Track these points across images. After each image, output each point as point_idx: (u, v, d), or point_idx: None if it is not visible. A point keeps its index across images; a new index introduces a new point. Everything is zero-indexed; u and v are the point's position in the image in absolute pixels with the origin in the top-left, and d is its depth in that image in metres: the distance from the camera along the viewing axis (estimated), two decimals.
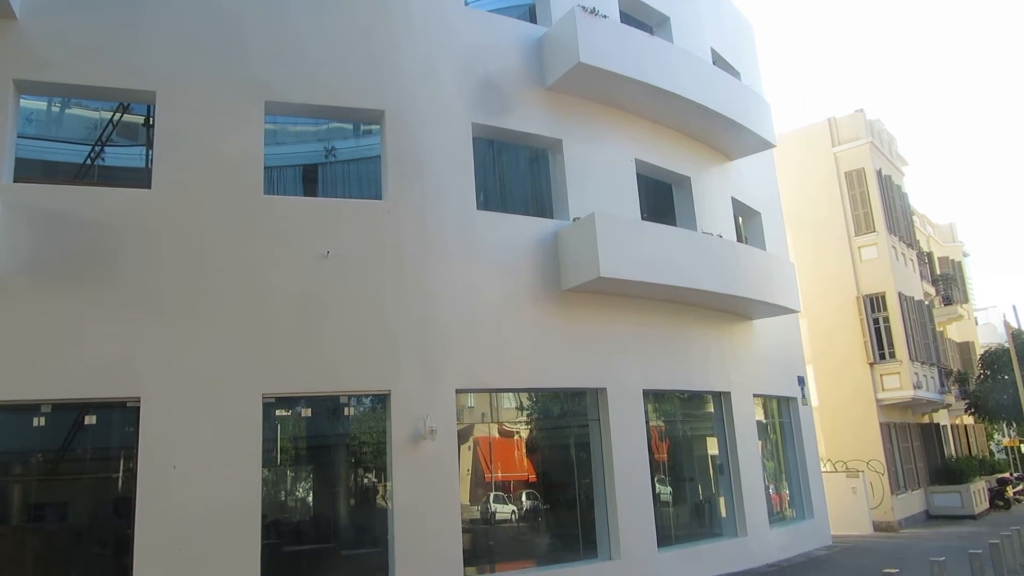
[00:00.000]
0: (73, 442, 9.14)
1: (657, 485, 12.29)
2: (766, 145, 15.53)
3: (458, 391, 10.41)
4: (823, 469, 17.21)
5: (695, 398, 13.79)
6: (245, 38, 10.28)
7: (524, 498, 11.60)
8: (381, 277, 10.15)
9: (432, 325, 10.29)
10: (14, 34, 9.36)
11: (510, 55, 12.14)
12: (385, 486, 9.96)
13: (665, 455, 13.01)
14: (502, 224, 11.35)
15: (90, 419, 8.95)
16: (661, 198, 14.30)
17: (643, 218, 12.92)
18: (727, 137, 14.73)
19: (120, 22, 9.74)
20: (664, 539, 11.78)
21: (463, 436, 10.63)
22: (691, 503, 13.49)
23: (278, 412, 9.79)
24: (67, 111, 11.09)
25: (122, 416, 9.09)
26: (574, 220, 11.64)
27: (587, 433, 11.73)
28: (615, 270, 11.05)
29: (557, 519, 11.73)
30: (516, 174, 13.13)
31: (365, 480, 11.13)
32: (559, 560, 11.15)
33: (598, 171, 12.49)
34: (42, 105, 10.77)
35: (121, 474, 9.27)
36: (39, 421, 8.68)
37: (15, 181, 9.12)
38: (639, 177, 13.23)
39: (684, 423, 13.59)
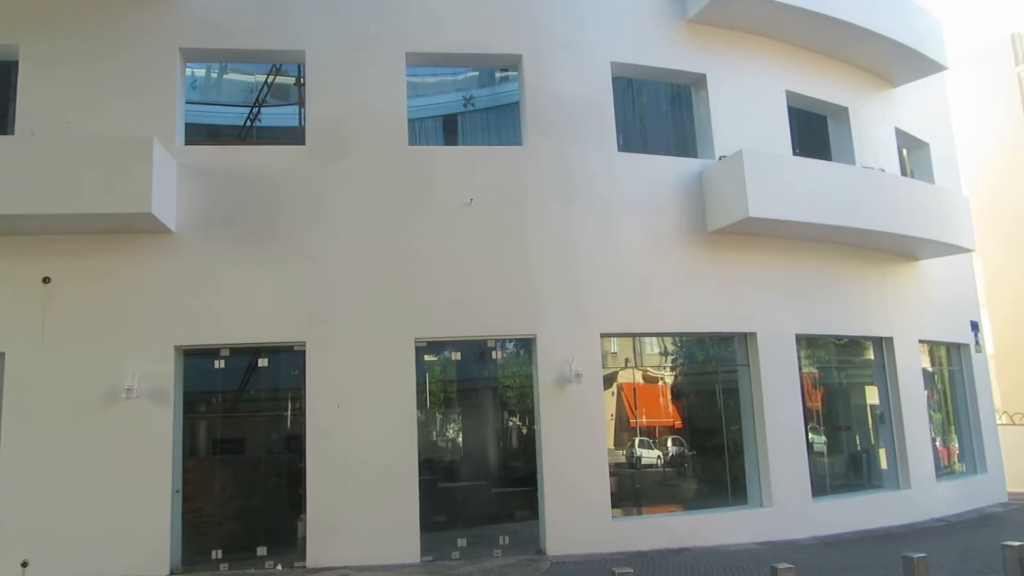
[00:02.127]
0: (248, 383, 9.96)
1: (810, 434, 11.79)
2: (936, 68, 14.05)
3: (602, 335, 10.37)
4: (998, 422, 15.83)
5: (853, 344, 12.99)
6: None
7: (669, 444, 11.49)
8: (524, 223, 10.20)
9: (575, 270, 10.26)
10: (178, 4, 10.00)
11: None
12: (531, 428, 10.16)
13: (819, 403, 12.41)
14: (644, 165, 11.03)
15: (263, 362, 9.70)
16: (815, 131, 13.34)
17: (795, 154, 12.13)
18: (890, 61, 13.44)
19: None
20: (819, 489, 11.31)
21: (607, 382, 10.61)
22: (848, 453, 12.83)
23: (429, 356, 10.18)
24: (224, 76, 11.81)
25: (289, 359, 9.78)
26: (720, 158, 11.12)
27: (735, 379, 11.37)
28: (765, 210, 10.48)
29: (704, 465, 11.55)
30: (657, 113, 12.67)
31: (511, 422, 11.44)
32: (707, 506, 11.01)
33: (745, 105, 11.81)
34: (202, 72, 11.53)
35: (290, 413, 10.04)
36: (219, 364, 9.51)
37: (186, 144, 9.86)
38: (790, 110, 12.39)
39: (840, 370, 12.86)
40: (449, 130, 12.02)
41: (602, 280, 10.35)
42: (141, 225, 8.99)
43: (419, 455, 9.46)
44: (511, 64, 11.05)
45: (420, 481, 9.36)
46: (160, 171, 8.82)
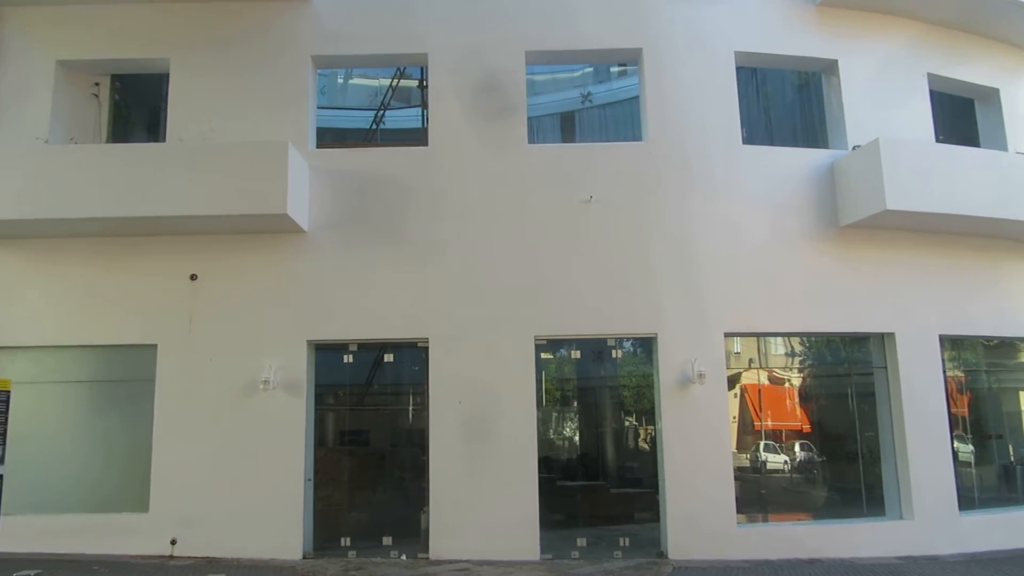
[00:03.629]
0: (374, 377, 10.29)
1: (956, 443, 10.93)
2: None
3: (726, 335, 10.03)
4: None
5: (1004, 346, 11.95)
6: None
7: (797, 449, 10.96)
8: (645, 219, 10.01)
9: (698, 267, 9.97)
10: (309, 15, 10.48)
11: None
12: (651, 429, 9.96)
13: (965, 409, 11.50)
14: (770, 158, 10.57)
15: (388, 357, 10.00)
16: (961, 117, 12.37)
17: (938, 141, 11.29)
18: None
19: None
20: (966, 502, 10.47)
21: (730, 383, 10.25)
22: (999, 464, 11.82)
23: (547, 354, 10.17)
24: (350, 81, 12.25)
25: (413, 355, 10.03)
26: (853, 148, 10.51)
27: (870, 382, 10.71)
28: (904, 202, 9.80)
29: (835, 472, 10.94)
30: (783, 102, 12.11)
31: (629, 422, 11.25)
32: (839, 515, 10.41)
33: (881, 91, 11.10)
34: (327, 78, 12.00)
35: (412, 407, 10.28)
36: (348, 358, 9.88)
37: (317, 147, 10.29)
38: (932, 94, 11.54)
39: (990, 374, 11.86)
40: (567, 127, 11.97)
41: (726, 277, 10.01)
42: (277, 226, 9.46)
43: (537, 453, 9.48)
44: (631, 59, 10.87)
45: (539, 479, 9.37)
46: (294, 174, 9.26)
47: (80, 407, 9.72)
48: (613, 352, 10.28)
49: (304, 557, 9.09)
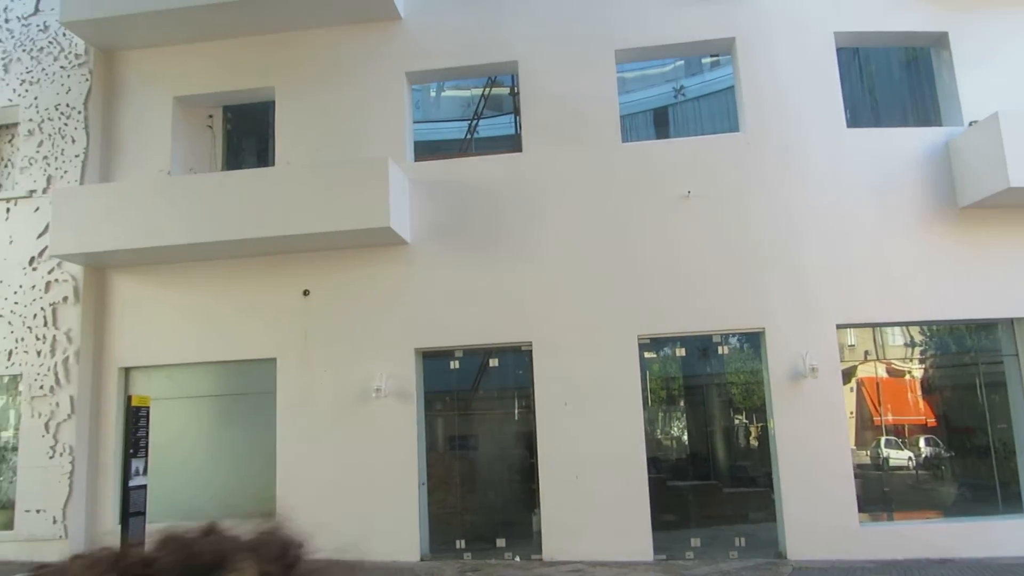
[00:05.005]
0: (480, 382, 10.49)
1: None
2: None
3: (838, 327, 9.65)
4: None
5: None
6: None
7: (922, 444, 10.41)
8: (746, 211, 9.78)
9: (805, 257, 9.65)
10: (401, 32, 10.80)
11: None
12: (762, 426, 9.71)
13: None
14: (877, 140, 10.09)
15: (493, 362, 10.17)
16: None
17: None
18: None
19: (485, 4, 10.64)
20: None
21: (845, 376, 9.86)
22: None
23: (652, 353, 10.09)
24: (442, 94, 12.56)
25: (516, 359, 10.16)
26: (970, 124, 9.90)
27: (1000, 371, 10.05)
28: None
29: (965, 468, 10.32)
30: (890, 81, 11.56)
31: (739, 419, 11.00)
32: (972, 512, 9.82)
33: (998, 63, 10.39)
34: (421, 93, 12.33)
35: (518, 410, 10.41)
36: (454, 364, 10.12)
37: (415, 160, 10.60)
38: None
39: None
40: (660, 123, 11.88)
41: (835, 267, 9.64)
42: (381, 239, 9.81)
43: (646, 452, 9.42)
44: (724, 49, 10.65)
45: (649, 479, 9.32)
46: (395, 188, 9.58)
47: (211, 419, 10.38)
48: (719, 348, 10.08)
49: (422, 559, 9.38)
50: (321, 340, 10.00)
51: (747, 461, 10.55)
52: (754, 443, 10.47)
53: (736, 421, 10.97)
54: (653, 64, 11.75)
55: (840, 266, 9.63)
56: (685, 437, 10.97)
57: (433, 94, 12.67)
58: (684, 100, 11.83)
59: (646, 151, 10.30)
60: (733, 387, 10.71)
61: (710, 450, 10.80)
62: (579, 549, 9.13)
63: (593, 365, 9.54)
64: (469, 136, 11.49)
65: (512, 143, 10.73)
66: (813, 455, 9.20)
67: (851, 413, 10.21)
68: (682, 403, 10.81)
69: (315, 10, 10.48)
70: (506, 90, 11.35)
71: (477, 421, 10.80)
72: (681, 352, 10.24)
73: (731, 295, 9.61)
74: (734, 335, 10.09)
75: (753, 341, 9.91)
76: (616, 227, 9.89)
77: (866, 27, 10.36)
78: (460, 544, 9.66)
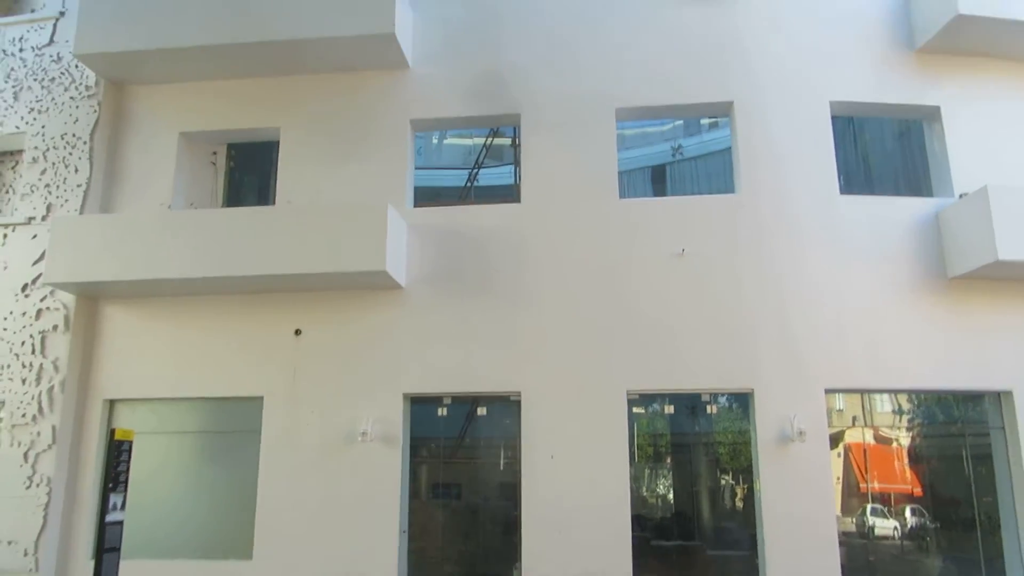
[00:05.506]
0: (468, 431, 10.43)
1: None
2: None
3: (827, 391, 9.68)
4: None
5: None
6: (593, 52, 10.83)
7: (908, 513, 10.35)
8: (739, 271, 9.89)
9: (796, 320, 9.72)
10: (407, 81, 11.03)
11: (869, 21, 10.95)
12: (747, 487, 9.66)
13: None
14: (870, 207, 10.27)
15: (481, 411, 10.13)
16: None
17: None
18: None
19: (488, 56, 10.92)
20: None
21: (832, 441, 9.85)
22: None
23: (640, 409, 10.07)
24: (444, 142, 12.74)
25: (504, 409, 10.13)
26: (960, 196, 10.10)
27: (987, 443, 10.06)
28: (1017, 251, 9.30)
29: (951, 540, 10.24)
30: (883, 150, 11.79)
31: (724, 480, 10.92)
32: None
33: (988, 136, 10.65)
34: (423, 139, 12.51)
35: (503, 460, 10.32)
36: (441, 411, 10.07)
37: (414, 206, 10.71)
38: None
39: None
40: (658, 180, 12.03)
41: (826, 331, 9.71)
42: (376, 282, 9.85)
43: (631, 510, 9.33)
44: (722, 112, 10.89)
45: (633, 537, 9.21)
46: (393, 232, 9.67)
47: (192, 456, 10.26)
48: (708, 407, 10.08)
49: None
50: (310, 380, 9.96)
51: (732, 522, 10.44)
52: (739, 504, 10.38)
53: (722, 481, 10.89)
54: (653, 123, 11.97)
55: (830, 330, 9.70)
56: (670, 495, 10.87)
57: (435, 141, 12.85)
58: (682, 159, 12.01)
59: (643, 208, 10.44)
60: (720, 447, 10.66)
61: (695, 510, 10.69)
62: None
63: (581, 418, 9.52)
64: (469, 184, 11.63)
65: (511, 193, 10.87)
66: (798, 520, 9.14)
67: (837, 479, 10.17)
68: (668, 460, 10.74)
69: (325, 55, 10.71)
70: (508, 141, 11.54)
71: (462, 470, 10.70)
72: (670, 409, 10.23)
73: (721, 354, 9.65)
74: (723, 395, 10.11)
75: (742, 401, 9.92)
76: (610, 281, 9.97)
77: (860, 98, 10.63)
78: None
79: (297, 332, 10.09)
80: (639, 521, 9.88)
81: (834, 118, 10.60)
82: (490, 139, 11.60)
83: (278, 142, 10.98)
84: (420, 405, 10.10)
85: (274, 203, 10.70)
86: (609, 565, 9.04)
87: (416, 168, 11.23)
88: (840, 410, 10.36)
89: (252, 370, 10.07)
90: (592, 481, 9.33)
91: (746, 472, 9.88)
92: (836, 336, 9.69)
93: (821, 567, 9.02)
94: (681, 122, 12.17)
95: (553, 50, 10.89)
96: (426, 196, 11.32)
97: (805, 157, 10.31)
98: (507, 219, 10.37)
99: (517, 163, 10.94)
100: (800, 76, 10.63)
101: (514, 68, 10.86)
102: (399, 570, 9.34)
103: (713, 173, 11.59)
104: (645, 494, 10.78)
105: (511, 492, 9.80)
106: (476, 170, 11.61)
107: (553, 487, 9.35)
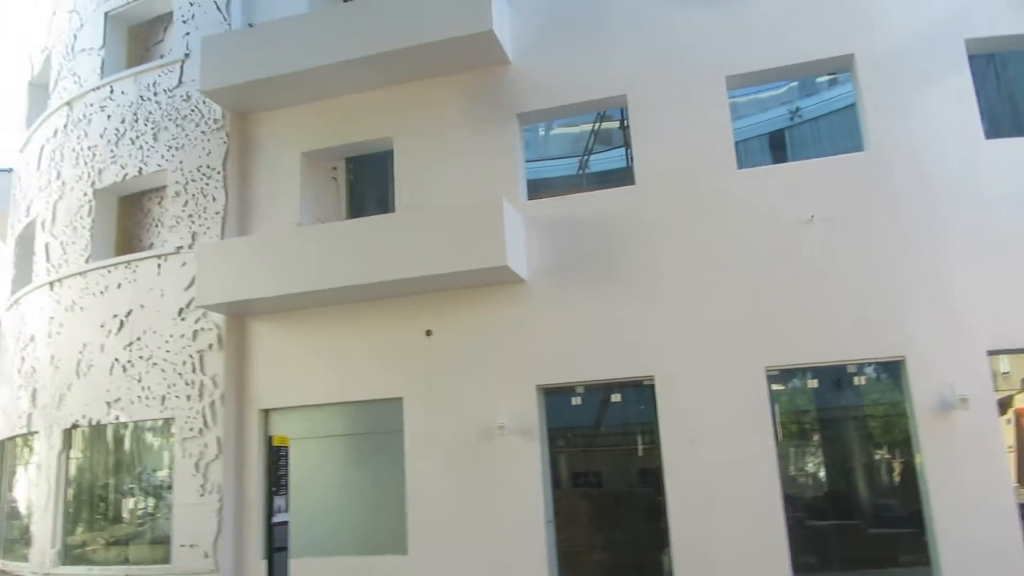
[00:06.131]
0: (603, 418, 10.40)
1: None
2: None
3: (989, 353, 8.93)
4: None
5: None
6: (697, 20, 10.44)
7: None
8: (876, 232, 9.29)
9: (948, 279, 9.03)
10: (511, 76, 11.06)
11: None
12: (905, 461, 9.08)
13: None
14: (1021, 150, 9.39)
15: (615, 397, 10.06)
16: None
17: None
18: None
19: (591, 41, 10.76)
20: None
21: (1000, 407, 9.09)
22: None
23: (780, 385, 9.68)
24: (551, 132, 12.70)
25: (638, 394, 10.01)
26: None
27: None
28: None
29: None
30: None
31: (880, 454, 10.32)
32: None
33: None
34: (530, 132, 12.52)
35: (642, 446, 10.20)
36: (575, 400, 10.08)
37: (528, 199, 10.76)
38: None
39: None
40: (777, 147, 11.49)
41: (983, 288, 8.95)
42: (499, 277, 9.97)
43: (781, 490, 9.00)
44: (841, 66, 10.25)
45: (786, 518, 8.88)
46: (510, 227, 9.74)
47: (344, 458, 10.80)
48: (855, 379, 9.54)
49: None
50: (444, 379, 10.22)
51: (892, 500, 9.85)
52: (897, 480, 9.78)
53: (877, 456, 10.29)
54: (766, 87, 11.43)
55: (988, 286, 8.95)
56: (821, 473, 10.39)
57: (542, 132, 12.84)
58: (801, 122, 11.40)
59: (764, 176, 10.00)
60: (872, 420, 10.07)
61: (851, 488, 10.16)
62: None
63: (719, 399, 9.26)
64: (581, 172, 11.56)
65: (624, 176, 10.71)
66: (969, 493, 8.50)
67: (1009, 447, 9.39)
68: (816, 438, 10.25)
69: (429, 61, 10.92)
70: (616, 124, 11.37)
71: (601, 458, 10.68)
72: (813, 383, 9.76)
73: (865, 321, 9.11)
74: (870, 364, 9.54)
75: (891, 370, 9.33)
76: (736, 255, 9.62)
77: (1002, 31, 9.71)
78: None
79: (428, 333, 10.37)
80: (791, 501, 9.50)
81: (971, 57, 9.74)
82: (598, 124, 11.46)
83: (392, 151, 11.31)
84: (554, 396, 10.14)
85: (394, 210, 11.03)
86: (763, 548, 8.75)
87: (526, 161, 11.27)
88: (1006, 373, 9.55)
89: (389, 373, 10.44)
90: (737, 462, 9.06)
91: (902, 445, 9.30)
92: (997, 292, 8.92)
93: (1000, 542, 8.35)
94: (796, 83, 11.57)
95: (655, 24, 10.60)
96: (539, 188, 11.34)
97: (941, 103, 9.54)
98: (623, 202, 10.22)
99: (628, 145, 10.75)
100: (928, 16, 9.83)
101: (616, 48, 10.66)
102: (548, 559, 9.43)
103: (836, 133, 10.94)
104: (794, 473, 10.36)
105: (653, 478, 9.67)
106: (587, 157, 11.52)
107: (697, 471, 9.15)
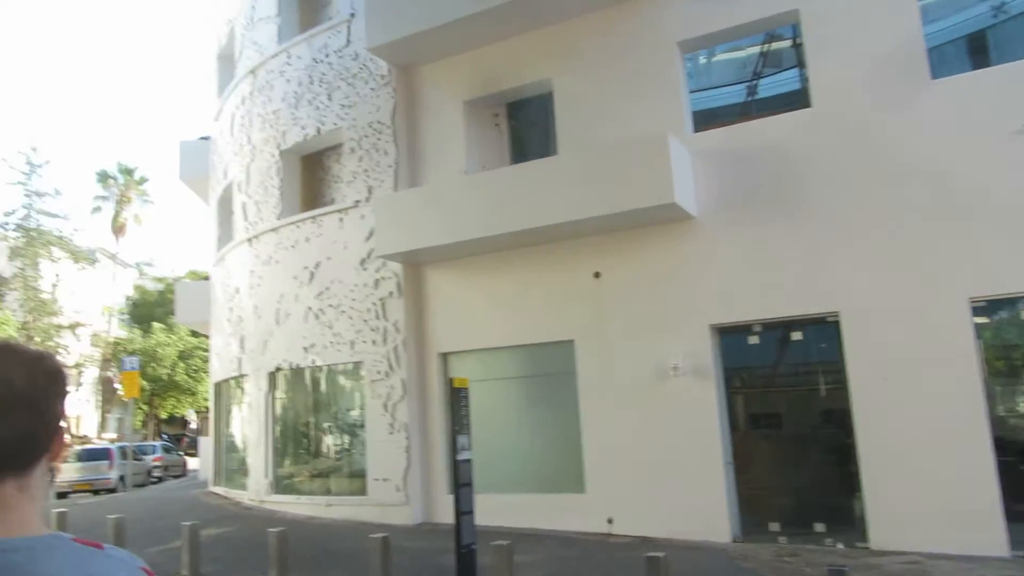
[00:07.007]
0: (782, 357, 9.95)
1: None
2: None
3: None
4: None
5: None
6: None
7: None
8: None
9: None
10: (669, 2, 10.51)
11: None
12: None
13: None
14: None
15: (795, 335, 9.56)
16: None
17: None
18: None
19: None
20: None
21: None
22: None
23: (984, 317, 8.76)
24: (713, 60, 11.98)
25: (819, 331, 9.46)
26: None
27: None
28: None
29: None
30: None
31: None
32: None
33: None
34: (691, 61, 11.88)
35: (825, 386, 9.64)
36: (752, 340, 9.70)
37: (694, 132, 10.29)
38: None
39: None
40: (977, 50, 10.14)
41: None
42: (666, 215, 9.69)
43: (990, 431, 8.22)
44: None
45: (996, 461, 8.12)
46: (677, 162, 9.39)
47: (519, 399, 11.16)
48: None
49: (734, 540, 9.16)
50: (615, 320, 10.18)
51: None
52: None
53: None
54: None
55: None
56: None
57: (703, 60, 12.15)
58: (1006, 19, 9.94)
59: (963, 85, 8.89)
60: None
61: None
62: (913, 539, 8.24)
63: (915, 333, 8.53)
64: (749, 98, 10.86)
65: (798, 99, 9.93)
66: None
67: None
68: None
69: None
70: (787, 43, 10.51)
71: (781, 398, 10.27)
72: None
73: None
74: None
75: None
76: (932, 175, 8.70)
77: None
78: (774, 527, 9.26)
79: (596, 275, 10.33)
80: (1001, 444, 8.67)
81: None
82: (767, 45, 10.67)
83: (552, 93, 11.19)
84: (729, 335, 9.83)
85: (556, 153, 10.97)
86: (970, 495, 8.06)
87: (691, 92, 10.75)
88: None
89: (560, 316, 10.55)
90: (936, 402, 8.35)
91: None
92: None
93: None
94: None
95: None
96: (705, 119, 10.81)
97: None
98: (798, 128, 9.51)
99: (801, 64, 9.95)
100: None
101: None
102: (728, 503, 9.28)
103: None
104: (1003, 414, 9.43)
105: (839, 419, 9.17)
106: (755, 81, 10.79)
107: (891, 413, 8.54)
